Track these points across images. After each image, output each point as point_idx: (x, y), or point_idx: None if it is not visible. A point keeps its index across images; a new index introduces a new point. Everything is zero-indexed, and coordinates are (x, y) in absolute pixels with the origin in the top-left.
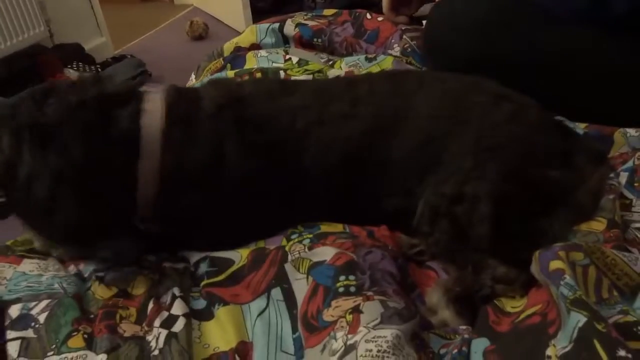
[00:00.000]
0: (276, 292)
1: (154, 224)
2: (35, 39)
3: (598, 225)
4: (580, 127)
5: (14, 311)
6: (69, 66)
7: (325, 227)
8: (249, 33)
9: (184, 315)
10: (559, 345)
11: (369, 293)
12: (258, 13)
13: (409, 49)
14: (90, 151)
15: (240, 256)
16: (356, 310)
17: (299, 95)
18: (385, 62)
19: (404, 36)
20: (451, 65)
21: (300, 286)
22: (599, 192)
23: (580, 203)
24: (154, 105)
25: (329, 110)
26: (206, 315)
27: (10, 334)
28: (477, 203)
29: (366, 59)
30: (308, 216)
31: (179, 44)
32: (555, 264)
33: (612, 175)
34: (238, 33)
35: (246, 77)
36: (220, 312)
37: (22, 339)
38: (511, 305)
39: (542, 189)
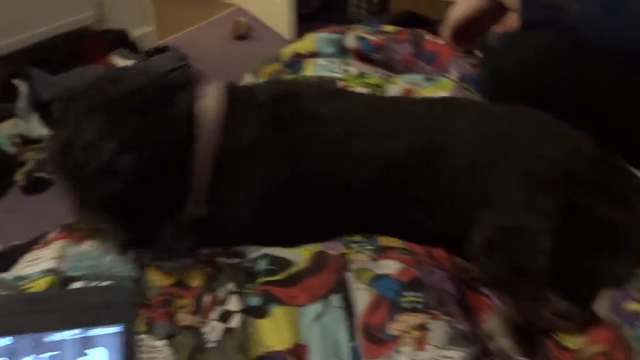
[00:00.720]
0: (335, 299)
1: (205, 208)
2: (84, 22)
3: None
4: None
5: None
6: (114, 52)
7: (383, 241)
8: (309, 41)
9: (240, 310)
10: None
11: (436, 312)
12: (302, 18)
13: (467, 76)
14: (151, 127)
15: (300, 258)
16: (423, 328)
17: (348, 102)
18: (445, 84)
19: (462, 62)
20: (510, 97)
21: (361, 296)
22: None
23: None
24: (210, 92)
25: (374, 123)
26: (261, 312)
27: None
28: (534, 237)
29: (426, 78)
30: (351, 225)
31: (221, 42)
32: (632, 306)
33: None
34: (281, 36)
35: None
36: (277, 311)
37: None
38: (571, 341)
39: (600, 227)
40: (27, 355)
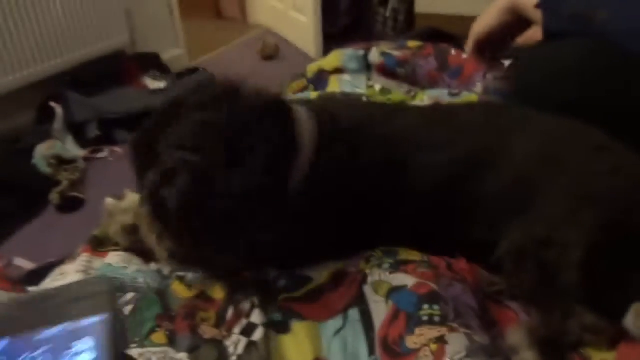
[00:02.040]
0: (354, 313)
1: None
2: (118, 46)
3: None
4: None
5: None
6: (147, 74)
7: (404, 254)
8: (334, 57)
9: (262, 325)
10: None
11: (454, 325)
12: (328, 38)
13: (492, 89)
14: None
15: (319, 275)
16: (441, 341)
17: (408, 118)
18: (469, 99)
19: (488, 75)
20: (541, 109)
21: (379, 309)
22: None
23: None
24: (306, 116)
25: (432, 134)
26: (282, 328)
27: None
28: (566, 249)
29: (449, 93)
30: (391, 239)
31: (250, 62)
32: None
33: None
34: (308, 56)
35: None
36: (297, 327)
37: None
38: (599, 357)
39: (637, 244)
40: (23, 353)
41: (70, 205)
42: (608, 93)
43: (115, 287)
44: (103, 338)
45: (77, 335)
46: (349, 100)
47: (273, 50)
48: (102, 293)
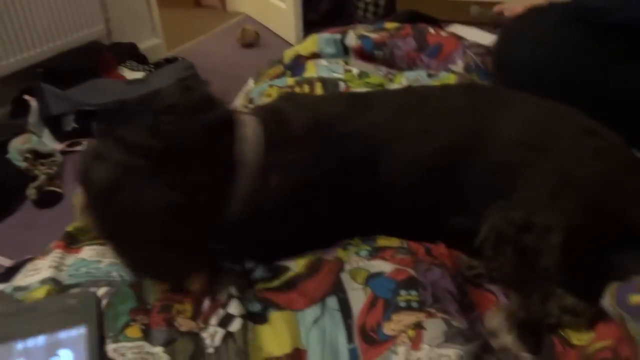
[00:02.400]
0: (332, 301)
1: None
2: (93, 36)
3: None
4: None
5: None
6: (124, 64)
7: (382, 241)
8: (310, 42)
9: (240, 316)
10: None
11: (432, 310)
12: (308, 25)
13: (473, 65)
14: (196, 175)
15: (296, 264)
16: (419, 327)
17: (377, 110)
18: (448, 79)
19: (468, 52)
20: (522, 84)
21: (357, 296)
22: None
23: None
24: (251, 132)
25: (407, 125)
26: (260, 318)
27: None
28: (546, 233)
29: (427, 75)
30: (372, 228)
31: (229, 50)
32: (637, 299)
33: None
34: (288, 43)
35: (305, 86)
36: (275, 317)
37: None
38: (577, 337)
39: (619, 227)
40: None
41: (49, 200)
42: (580, 63)
43: (89, 282)
44: (82, 350)
45: (55, 347)
46: (311, 99)
47: (253, 38)
48: (83, 306)
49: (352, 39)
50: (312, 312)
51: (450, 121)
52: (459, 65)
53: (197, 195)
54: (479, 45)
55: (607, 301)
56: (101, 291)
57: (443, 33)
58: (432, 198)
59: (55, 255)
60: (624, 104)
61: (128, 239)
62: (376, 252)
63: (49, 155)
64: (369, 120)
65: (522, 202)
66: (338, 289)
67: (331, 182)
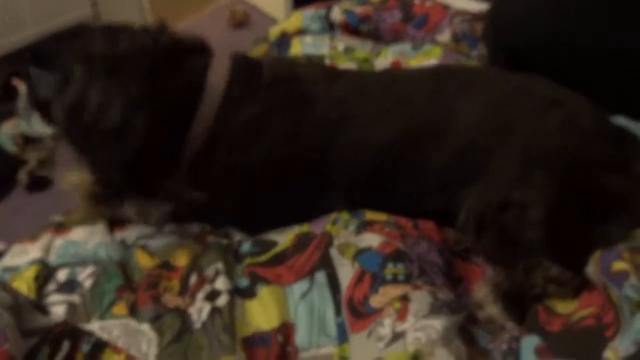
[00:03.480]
0: (320, 276)
1: (191, 182)
2: (81, 19)
3: None
4: None
5: (62, 275)
6: None
7: (370, 215)
8: (295, 19)
9: (227, 291)
10: (620, 347)
11: (418, 282)
12: (298, 2)
13: (461, 34)
14: (158, 90)
15: (284, 238)
16: (405, 299)
17: (342, 85)
18: (433, 52)
19: (455, 19)
20: (519, 45)
21: (345, 272)
22: None
23: None
24: (220, 65)
25: (367, 105)
26: (248, 293)
27: (58, 298)
28: (525, 209)
29: (413, 47)
30: (341, 205)
31: (219, 30)
32: (619, 265)
33: None
34: (278, 22)
35: None
36: (263, 292)
37: (69, 303)
38: (562, 306)
39: (597, 196)
40: None
41: (39, 184)
42: (584, 33)
43: (76, 262)
44: None
45: None
46: (289, 60)
47: (242, 18)
48: None
49: (337, 14)
50: (300, 287)
51: (411, 106)
52: (446, 34)
53: (162, 100)
54: (465, 13)
55: (591, 269)
56: (88, 271)
57: (428, 3)
58: (388, 178)
59: (45, 238)
60: (624, 61)
61: (104, 147)
62: (364, 227)
63: (39, 140)
64: (331, 92)
65: (495, 182)
66: (327, 264)
67: (281, 135)
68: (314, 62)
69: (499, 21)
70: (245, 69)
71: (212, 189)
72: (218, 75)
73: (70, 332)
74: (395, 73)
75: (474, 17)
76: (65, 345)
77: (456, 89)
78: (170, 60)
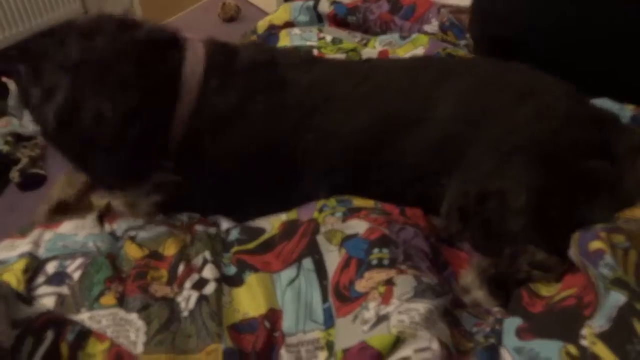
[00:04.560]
0: (307, 263)
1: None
2: (69, 15)
3: None
4: (628, 109)
5: (51, 268)
6: None
7: (357, 202)
8: (283, 11)
9: (214, 279)
10: (595, 324)
11: (403, 267)
12: None
13: (447, 23)
14: (142, 89)
15: (271, 226)
16: (389, 283)
17: (320, 71)
18: (420, 40)
19: (442, 10)
20: (502, 33)
21: (332, 258)
22: None
23: (625, 191)
24: (195, 54)
25: (344, 91)
26: (236, 281)
27: (47, 289)
28: (505, 199)
29: (400, 37)
30: (322, 191)
31: (210, 25)
32: (596, 245)
33: None
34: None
35: None
36: (251, 279)
37: (58, 294)
38: (546, 289)
39: (578, 180)
40: None
41: (32, 182)
42: (568, 20)
43: (66, 255)
44: None
45: None
46: (270, 47)
47: (234, 12)
48: None
49: (324, 6)
50: (287, 274)
51: (388, 95)
52: (434, 25)
53: (148, 99)
54: (451, 5)
55: (572, 250)
56: (77, 262)
57: None
58: (364, 166)
59: (35, 233)
60: (605, 44)
61: (90, 151)
62: (350, 213)
63: (31, 137)
64: (309, 77)
65: (473, 173)
66: (314, 251)
67: (260, 120)
68: (293, 49)
69: (482, 11)
70: (221, 55)
71: (197, 175)
72: (195, 64)
73: (54, 321)
74: (374, 62)
75: (459, 9)
76: (50, 335)
77: (432, 79)
78: (148, 58)
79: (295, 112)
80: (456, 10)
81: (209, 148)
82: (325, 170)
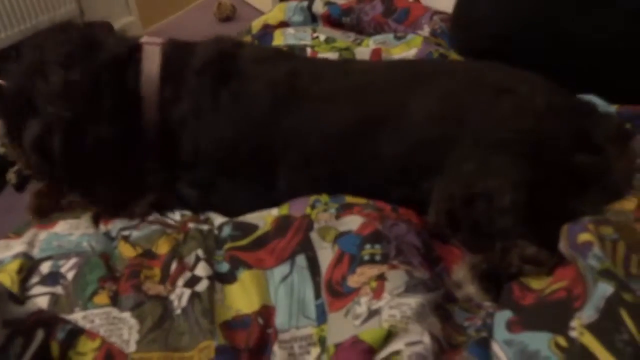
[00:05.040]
0: (300, 259)
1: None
2: (65, 16)
3: (629, 204)
4: (612, 108)
5: (45, 268)
6: None
7: (349, 199)
8: (278, 11)
9: (207, 277)
10: (584, 315)
11: (395, 262)
12: None
13: (439, 30)
14: (114, 105)
15: (264, 222)
16: (381, 278)
17: (290, 65)
18: (415, 41)
19: (434, 17)
20: (479, 42)
21: (325, 255)
22: (630, 170)
23: (612, 182)
24: (150, 65)
25: (318, 89)
26: (229, 278)
27: (41, 289)
28: (491, 198)
29: (395, 37)
30: (303, 188)
31: (206, 25)
32: (584, 237)
33: None
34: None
35: None
36: (244, 275)
37: (52, 294)
38: (536, 282)
39: (563, 173)
40: None
41: (28, 183)
42: (544, 25)
43: (60, 255)
44: None
45: None
46: (245, 43)
47: (230, 11)
48: None
49: (319, 6)
50: (281, 270)
51: (365, 95)
52: (425, 30)
53: (112, 125)
54: (443, 12)
55: (562, 243)
56: (71, 262)
57: None
58: (346, 166)
59: (29, 233)
60: (590, 52)
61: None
62: (343, 209)
63: None
64: (272, 72)
65: (457, 176)
66: (307, 248)
67: (213, 118)
68: (267, 46)
69: (460, 22)
70: (176, 59)
71: (184, 172)
72: (151, 75)
73: (44, 321)
74: (352, 64)
75: (450, 17)
76: (40, 334)
77: (409, 80)
78: (110, 75)
79: (258, 107)
80: (448, 18)
81: (184, 150)
82: (306, 168)
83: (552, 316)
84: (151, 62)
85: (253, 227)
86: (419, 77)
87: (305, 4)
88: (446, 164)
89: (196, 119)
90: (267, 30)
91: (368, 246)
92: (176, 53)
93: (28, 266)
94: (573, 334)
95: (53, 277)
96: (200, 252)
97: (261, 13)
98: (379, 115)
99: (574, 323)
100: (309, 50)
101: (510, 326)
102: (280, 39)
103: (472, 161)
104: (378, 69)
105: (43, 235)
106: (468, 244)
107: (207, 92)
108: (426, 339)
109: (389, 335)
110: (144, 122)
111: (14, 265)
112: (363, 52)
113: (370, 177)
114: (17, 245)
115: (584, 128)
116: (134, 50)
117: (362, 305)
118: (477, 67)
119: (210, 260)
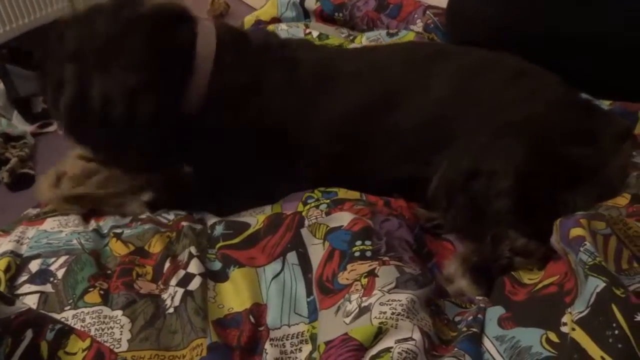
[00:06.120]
0: (292, 257)
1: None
2: (57, 14)
3: (622, 200)
4: (605, 104)
5: (34, 266)
6: None
7: (342, 194)
8: (270, 6)
9: (200, 274)
10: (575, 311)
11: (385, 258)
12: None
13: (432, 25)
14: (150, 65)
15: (256, 220)
16: (371, 274)
17: (322, 52)
18: (407, 38)
19: (427, 12)
20: (475, 38)
21: (316, 251)
22: (625, 168)
23: (608, 179)
24: (206, 31)
25: (345, 68)
26: (221, 276)
27: (30, 288)
28: (493, 178)
29: (387, 33)
30: (311, 176)
31: None
32: (576, 232)
33: (634, 153)
34: None
35: None
36: (236, 274)
37: (41, 293)
38: (528, 277)
39: (563, 165)
40: None
41: (22, 182)
42: (538, 21)
43: (49, 252)
44: None
45: None
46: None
47: (223, 8)
48: None
49: (311, 2)
50: (272, 268)
51: (384, 72)
52: (418, 25)
53: (156, 76)
54: (437, 7)
55: (554, 237)
56: (61, 260)
57: None
58: (363, 141)
59: (17, 231)
60: (581, 48)
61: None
62: (335, 205)
63: (20, 137)
64: (315, 56)
65: (466, 151)
66: (298, 245)
67: (274, 96)
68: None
69: (456, 17)
70: (231, 35)
71: (200, 159)
72: (208, 40)
73: (33, 320)
74: (370, 47)
75: (444, 11)
76: (28, 334)
77: (427, 59)
78: (157, 33)
79: (305, 89)
80: (441, 13)
81: (224, 122)
82: (323, 144)
83: (544, 312)
84: (207, 29)
85: (245, 226)
86: (436, 55)
87: None
88: (458, 139)
89: (248, 93)
90: (260, 27)
91: (359, 242)
92: (230, 31)
93: (16, 264)
94: (564, 329)
95: (42, 275)
96: (193, 250)
97: (254, 10)
98: (397, 89)
99: (565, 318)
100: None
101: (502, 322)
102: None
103: (483, 139)
104: (396, 49)
105: (32, 232)
106: (458, 224)
107: (262, 70)
108: (417, 335)
109: (380, 332)
110: (191, 83)
111: (1, 264)
112: None
113: (383, 151)
114: (5, 243)
115: (590, 126)
116: (189, 13)
117: (353, 302)
118: (494, 54)
119: (202, 258)
